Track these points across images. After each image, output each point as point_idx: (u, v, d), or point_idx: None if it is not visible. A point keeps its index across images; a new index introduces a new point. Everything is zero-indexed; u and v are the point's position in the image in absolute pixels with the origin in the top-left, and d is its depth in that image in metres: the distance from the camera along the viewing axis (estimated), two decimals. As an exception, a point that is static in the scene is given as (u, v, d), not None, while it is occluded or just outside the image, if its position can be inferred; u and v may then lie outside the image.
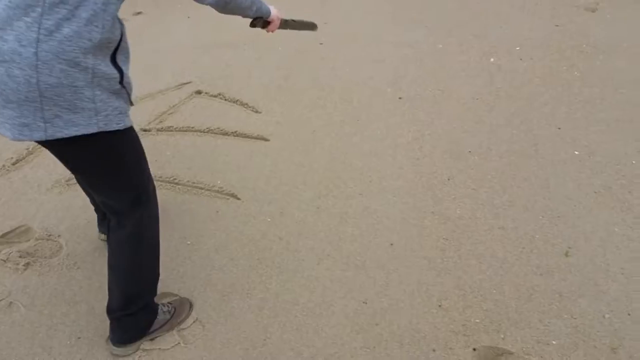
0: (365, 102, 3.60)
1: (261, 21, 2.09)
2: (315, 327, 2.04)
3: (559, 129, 3.20)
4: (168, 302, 2.06)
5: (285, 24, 2.32)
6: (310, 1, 5.57)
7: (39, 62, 1.27)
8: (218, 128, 3.30)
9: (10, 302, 2.18)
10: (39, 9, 1.24)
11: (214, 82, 3.89)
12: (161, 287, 2.11)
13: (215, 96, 3.68)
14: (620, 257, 2.28)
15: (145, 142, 2.69)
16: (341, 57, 4.28)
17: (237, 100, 3.60)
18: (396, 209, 2.60)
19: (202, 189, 2.79)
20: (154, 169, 2.67)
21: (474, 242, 2.38)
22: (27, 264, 2.35)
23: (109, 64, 1.43)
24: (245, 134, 3.24)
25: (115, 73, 1.45)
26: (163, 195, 2.71)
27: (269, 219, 2.59)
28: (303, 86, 3.82)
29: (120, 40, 1.48)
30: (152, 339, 1.99)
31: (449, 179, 2.79)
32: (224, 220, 2.59)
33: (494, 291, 2.15)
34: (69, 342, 2.01)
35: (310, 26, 2.66)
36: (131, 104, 1.61)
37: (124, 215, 1.72)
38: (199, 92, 3.73)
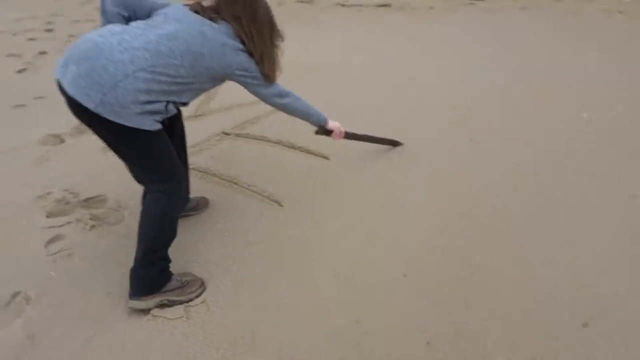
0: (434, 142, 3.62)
1: (322, 129, 2.59)
2: (302, 337, 2.16)
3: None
4: (184, 278, 2.33)
5: (355, 136, 2.89)
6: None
7: (129, 78, 1.84)
8: (288, 141, 3.56)
9: (70, 254, 2.59)
10: (161, 61, 1.90)
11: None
12: (184, 267, 2.44)
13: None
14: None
15: (223, 144, 3.44)
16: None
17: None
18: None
19: (254, 192, 3.05)
20: (221, 167, 3.20)
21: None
22: (93, 226, 2.77)
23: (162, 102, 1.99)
24: (309, 150, 3.44)
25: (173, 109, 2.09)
26: (220, 191, 3.08)
27: (300, 230, 2.74)
28: (381, 116, 3.98)
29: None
30: (162, 306, 2.24)
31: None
32: (262, 222, 2.81)
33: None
34: (101, 296, 2.36)
35: (393, 143, 3.33)
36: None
37: (147, 188, 2.23)
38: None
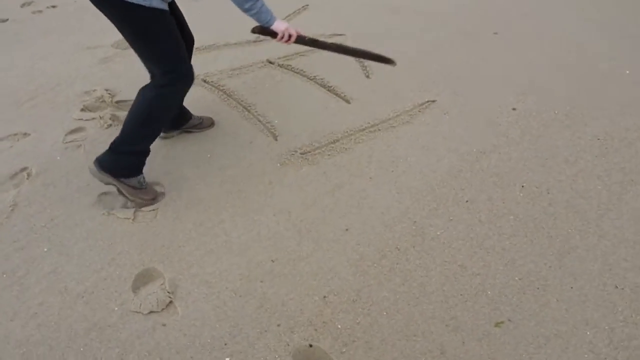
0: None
1: (259, 28, 2.24)
2: (219, 263, 2.23)
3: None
4: (146, 183, 2.46)
5: (318, 44, 2.38)
6: None
7: None
8: (322, 79, 3.45)
9: (80, 145, 2.93)
10: None
11: (363, 37, 3.99)
12: (157, 172, 2.63)
13: (350, 52, 3.78)
14: None
15: (262, 71, 3.60)
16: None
17: (362, 61, 3.64)
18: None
19: (259, 121, 3.06)
20: (245, 93, 3.32)
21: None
22: (110, 125, 3.09)
23: None
24: (335, 91, 3.32)
25: None
26: (231, 114, 3.19)
27: (274, 168, 2.73)
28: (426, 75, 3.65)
29: None
30: (111, 210, 2.45)
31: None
32: (248, 151, 2.85)
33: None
34: (82, 185, 2.67)
35: (381, 59, 2.58)
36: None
37: (152, 77, 2.33)
38: (340, 45, 3.87)
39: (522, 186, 2.51)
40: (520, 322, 1.91)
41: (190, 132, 2.95)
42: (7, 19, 4.73)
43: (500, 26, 4.17)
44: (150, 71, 2.37)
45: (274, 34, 2.24)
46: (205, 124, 2.99)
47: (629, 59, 3.58)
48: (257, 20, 2.21)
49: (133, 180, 2.37)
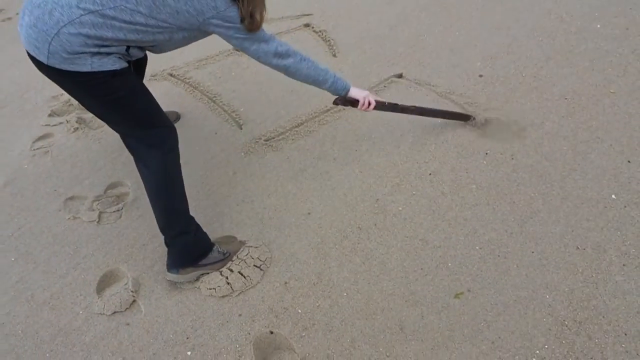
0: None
1: (342, 99, 2.13)
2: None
3: None
4: (224, 247, 2.16)
5: (395, 107, 2.31)
6: None
7: (74, 23, 1.52)
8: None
9: (47, 151, 2.92)
10: (112, 5, 1.52)
11: (330, 16, 3.95)
12: (123, 175, 2.66)
13: (317, 32, 3.74)
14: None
15: (228, 60, 3.55)
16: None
17: (329, 40, 3.60)
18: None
19: (224, 110, 3.05)
20: (211, 83, 3.31)
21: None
22: (76, 129, 3.09)
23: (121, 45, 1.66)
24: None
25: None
26: (197, 106, 3.17)
27: (243, 154, 2.72)
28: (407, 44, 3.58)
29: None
30: (77, 214, 2.46)
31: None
32: (214, 142, 2.85)
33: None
34: (48, 192, 2.68)
35: (461, 117, 2.63)
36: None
37: (134, 150, 1.92)
38: (307, 25, 3.84)
39: (486, 154, 2.48)
40: (479, 291, 1.91)
41: (155, 128, 2.91)
42: (-24, 30, 4.71)
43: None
44: (129, 145, 1.93)
45: (355, 102, 2.14)
46: (171, 118, 2.96)
47: (601, 13, 3.49)
48: (334, 91, 2.08)
49: (213, 256, 2.06)
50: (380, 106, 2.23)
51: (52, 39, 1.53)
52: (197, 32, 1.71)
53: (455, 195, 2.29)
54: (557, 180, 2.30)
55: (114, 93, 1.72)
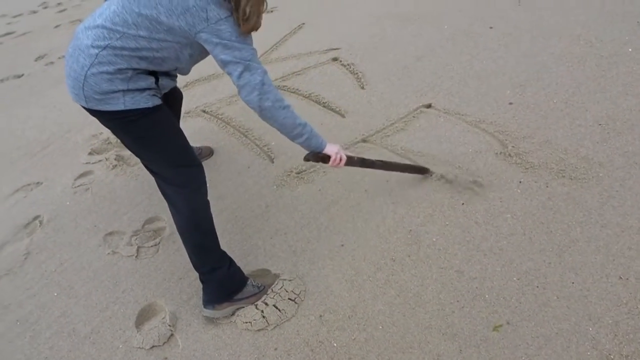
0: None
1: (314, 155, 1.99)
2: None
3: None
4: (259, 281, 2.18)
5: (363, 163, 2.21)
6: None
7: (95, 64, 1.64)
8: (317, 96, 3.49)
9: (88, 188, 3.04)
10: (118, 35, 1.61)
11: (357, 49, 4.02)
12: (159, 211, 2.73)
13: (345, 65, 3.81)
14: None
15: None
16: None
17: (356, 73, 3.66)
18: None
19: (256, 145, 3.12)
20: (243, 119, 3.39)
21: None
22: (115, 166, 3.20)
23: (148, 77, 1.75)
24: (329, 106, 3.35)
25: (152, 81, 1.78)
26: (230, 142, 3.25)
27: (275, 187, 2.77)
28: (424, 75, 3.60)
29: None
30: (116, 249, 2.53)
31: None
32: (247, 175, 2.91)
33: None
34: (89, 227, 2.77)
35: (419, 170, 2.56)
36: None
37: (165, 187, 1.96)
38: (335, 59, 3.92)
39: (520, 182, 2.46)
40: (519, 324, 1.87)
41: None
42: (23, 74, 4.98)
43: (495, 20, 4.11)
44: (158, 185, 1.99)
45: (326, 158, 2.01)
46: (204, 153, 3.06)
47: (632, 36, 3.45)
48: (307, 146, 1.92)
49: (247, 290, 2.08)
50: (350, 161, 2.11)
51: (83, 84, 1.66)
52: (200, 46, 1.70)
53: (490, 225, 2.27)
54: (594, 207, 2.25)
55: (146, 131, 1.80)
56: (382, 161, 2.34)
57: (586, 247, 2.10)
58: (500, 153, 2.66)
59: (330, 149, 1.97)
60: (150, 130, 1.80)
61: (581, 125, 2.75)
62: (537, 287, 1.98)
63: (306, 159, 2.00)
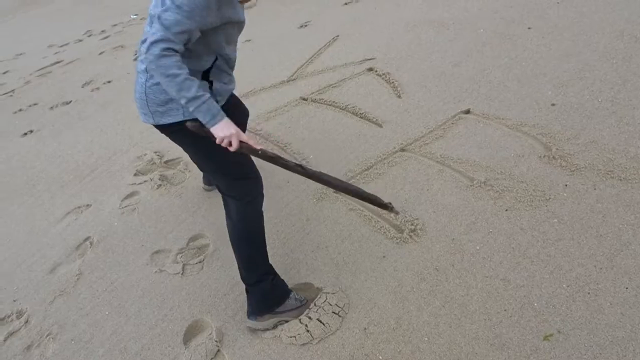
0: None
1: (198, 126, 1.77)
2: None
3: None
4: (302, 294, 2.18)
5: (274, 161, 1.85)
6: None
7: (149, 79, 1.81)
8: (353, 107, 3.50)
9: (134, 209, 3.14)
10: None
11: (392, 59, 4.02)
12: (203, 228, 2.79)
13: (381, 75, 3.82)
14: None
15: (296, 109, 3.70)
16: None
17: (392, 82, 3.66)
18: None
19: (295, 159, 3.16)
20: (281, 134, 3.43)
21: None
22: (160, 186, 3.29)
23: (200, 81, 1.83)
24: (366, 117, 3.35)
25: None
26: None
27: (315, 200, 2.79)
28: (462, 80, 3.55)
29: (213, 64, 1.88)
30: (162, 267, 2.60)
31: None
32: (287, 190, 2.95)
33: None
34: (137, 247, 2.85)
35: (373, 201, 2.00)
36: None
37: (223, 196, 2.05)
38: (370, 69, 3.93)
39: (566, 185, 2.38)
40: (570, 332, 1.80)
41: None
42: (71, 101, 5.20)
43: (533, 20, 4.02)
44: (222, 199, 2.07)
45: (212, 136, 1.75)
46: (245, 170, 3.10)
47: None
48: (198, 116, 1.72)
49: (289, 303, 2.09)
50: (252, 151, 1.79)
51: (147, 101, 1.81)
52: (210, 16, 1.70)
53: (536, 231, 2.21)
54: (647, 209, 2.15)
55: (203, 142, 1.84)
56: (327, 176, 1.93)
57: (639, 250, 2.00)
58: (544, 156, 2.58)
59: (219, 130, 1.70)
60: (208, 140, 1.79)
61: (629, 123, 2.65)
62: (589, 293, 1.91)
63: (188, 126, 1.80)
